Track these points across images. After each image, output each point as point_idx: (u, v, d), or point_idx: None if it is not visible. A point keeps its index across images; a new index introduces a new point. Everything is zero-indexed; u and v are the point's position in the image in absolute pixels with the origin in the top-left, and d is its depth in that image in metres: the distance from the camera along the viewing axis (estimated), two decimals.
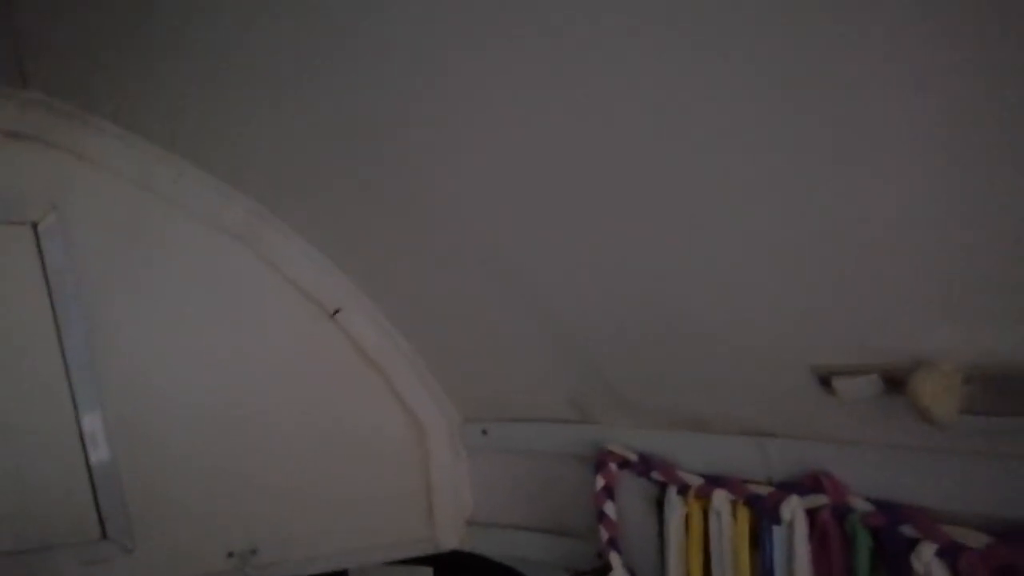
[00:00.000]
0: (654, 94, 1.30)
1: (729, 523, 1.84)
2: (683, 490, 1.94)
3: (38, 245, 2.09)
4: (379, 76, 1.59)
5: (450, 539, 2.60)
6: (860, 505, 1.62)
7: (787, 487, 1.74)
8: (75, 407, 2.14)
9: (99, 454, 2.14)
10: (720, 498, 1.85)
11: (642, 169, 1.49)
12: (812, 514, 1.69)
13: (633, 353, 1.92)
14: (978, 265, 1.26)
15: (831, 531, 1.64)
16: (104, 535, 2.13)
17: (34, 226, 2.07)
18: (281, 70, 1.72)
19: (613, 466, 2.10)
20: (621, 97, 1.34)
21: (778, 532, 1.74)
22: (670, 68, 1.24)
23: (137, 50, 1.83)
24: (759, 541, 1.78)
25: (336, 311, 2.35)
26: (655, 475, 2.01)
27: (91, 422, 2.16)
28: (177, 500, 2.25)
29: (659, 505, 2.01)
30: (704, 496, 1.89)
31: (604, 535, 2.10)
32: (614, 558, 2.09)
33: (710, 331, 1.74)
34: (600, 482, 2.11)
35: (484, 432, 2.51)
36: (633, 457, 2.07)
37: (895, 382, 1.48)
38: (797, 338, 1.60)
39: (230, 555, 2.30)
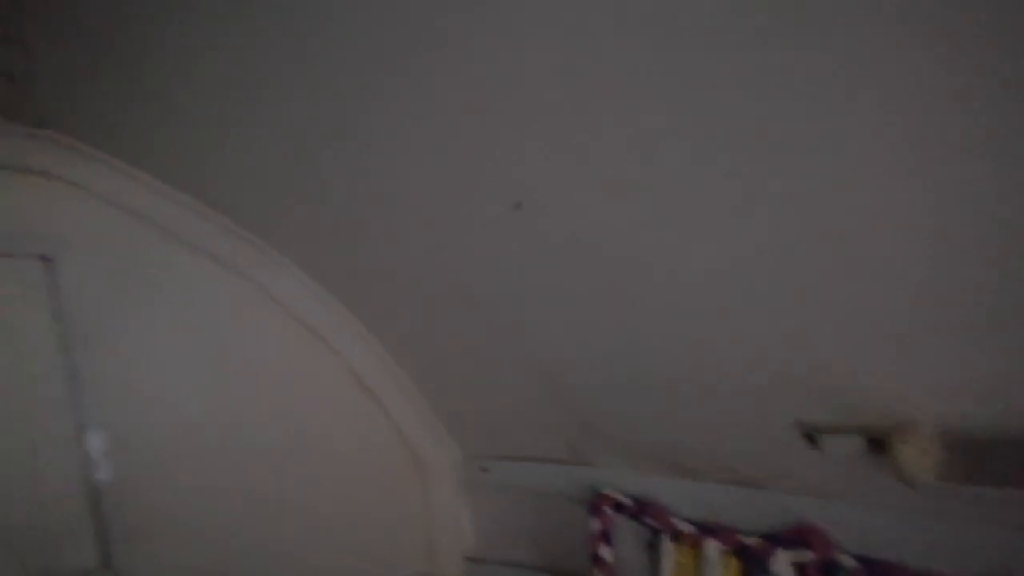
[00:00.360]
0: (635, 139, 1.40)
1: (720, 573, 1.92)
2: (676, 537, 2.03)
3: (48, 275, 2.25)
4: (368, 107, 1.71)
5: (449, 575, 2.71)
6: (846, 562, 1.69)
7: (775, 539, 1.82)
8: (80, 435, 2.29)
9: (103, 483, 2.29)
10: (711, 547, 1.94)
11: (630, 231, 1.59)
12: (799, 568, 1.76)
13: (627, 400, 2.02)
14: (957, 333, 1.34)
15: None
16: (105, 563, 2.27)
17: (44, 258, 2.23)
18: (277, 107, 1.85)
19: (608, 509, 2.19)
20: (603, 141, 1.43)
21: None
22: (645, 113, 1.33)
23: (141, 90, 1.98)
24: None
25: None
26: (649, 520, 2.09)
27: (95, 449, 2.31)
28: (176, 530, 2.38)
29: (653, 550, 2.09)
30: (696, 544, 1.98)
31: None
32: None
33: (699, 383, 1.83)
34: (596, 525, 2.21)
35: (484, 469, 2.62)
36: (628, 501, 2.15)
37: (877, 442, 1.56)
38: (781, 393, 1.68)
39: None
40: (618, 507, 2.19)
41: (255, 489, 2.50)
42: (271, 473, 2.52)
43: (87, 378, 2.33)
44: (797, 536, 1.79)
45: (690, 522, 2.02)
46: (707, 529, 1.98)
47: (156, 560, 2.35)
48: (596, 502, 2.22)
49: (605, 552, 2.22)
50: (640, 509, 2.14)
